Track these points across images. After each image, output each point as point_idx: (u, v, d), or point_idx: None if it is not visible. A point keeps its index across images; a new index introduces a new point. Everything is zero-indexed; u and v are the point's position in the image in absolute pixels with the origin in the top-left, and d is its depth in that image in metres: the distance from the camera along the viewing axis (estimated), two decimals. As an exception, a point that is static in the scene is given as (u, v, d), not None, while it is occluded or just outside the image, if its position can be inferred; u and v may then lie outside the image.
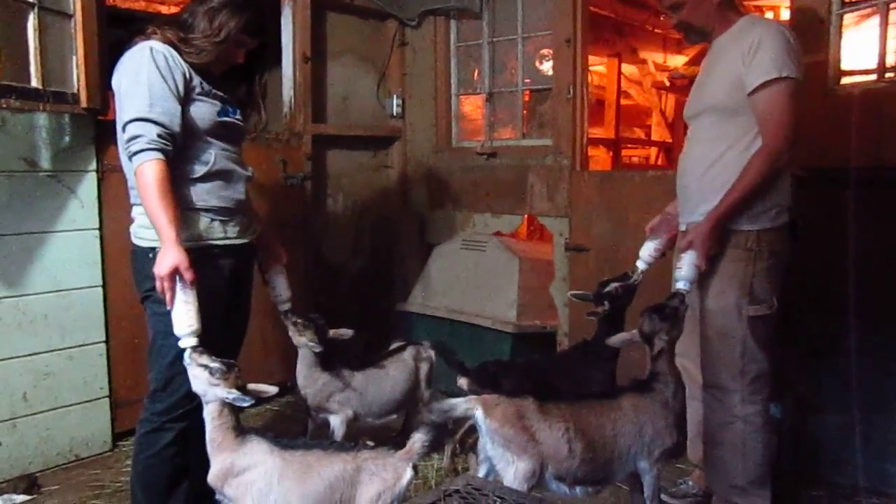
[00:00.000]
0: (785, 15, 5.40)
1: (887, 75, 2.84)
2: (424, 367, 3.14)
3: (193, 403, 2.07)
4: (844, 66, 2.93)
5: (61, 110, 2.85)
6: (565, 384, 2.68)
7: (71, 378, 3.09)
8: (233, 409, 1.97)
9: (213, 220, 2.22)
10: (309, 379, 2.80)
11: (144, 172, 2.00)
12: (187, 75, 2.13)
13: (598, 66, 6.84)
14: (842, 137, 2.78)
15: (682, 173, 2.55)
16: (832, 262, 2.81)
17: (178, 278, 1.99)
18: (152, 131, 2.02)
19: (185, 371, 1.99)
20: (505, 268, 3.96)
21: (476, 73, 4.46)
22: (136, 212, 2.19)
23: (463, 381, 2.64)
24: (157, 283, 1.99)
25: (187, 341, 1.99)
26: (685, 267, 2.34)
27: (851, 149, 2.74)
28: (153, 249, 2.07)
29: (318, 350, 2.71)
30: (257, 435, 2.02)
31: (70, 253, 3.05)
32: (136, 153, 2.02)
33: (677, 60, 7.28)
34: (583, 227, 3.74)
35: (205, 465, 1.98)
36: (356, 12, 4.40)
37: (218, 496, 1.99)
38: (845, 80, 2.93)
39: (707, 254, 2.31)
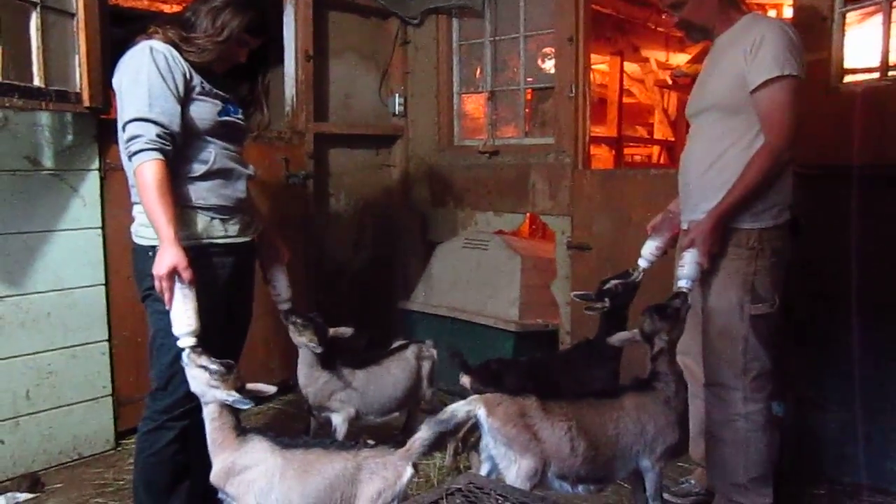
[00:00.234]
0: (788, 13, 5.39)
1: (890, 73, 2.83)
2: (426, 366, 3.14)
3: (195, 402, 2.07)
4: (847, 64, 2.92)
5: (64, 109, 2.85)
6: (568, 383, 2.68)
7: (73, 377, 3.09)
8: (232, 409, 1.97)
9: (213, 218, 2.22)
10: (310, 378, 2.80)
11: (143, 172, 2.01)
12: (187, 75, 2.13)
13: (601, 64, 6.82)
14: (844, 135, 2.78)
15: (683, 171, 2.55)
16: (834, 260, 2.81)
17: (176, 278, 2.00)
18: (151, 131, 2.02)
19: (185, 370, 1.99)
20: (507, 266, 3.96)
21: (478, 72, 4.46)
22: (137, 210, 2.19)
23: (465, 380, 2.64)
24: (156, 283, 2.00)
25: (186, 341, 1.99)
26: (687, 265, 2.34)
27: (854, 147, 2.74)
28: (153, 248, 2.07)
29: (318, 351, 2.71)
30: (258, 434, 2.02)
31: (72, 252, 3.05)
32: (135, 153, 2.02)
33: (680, 58, 7.26)
34: (585, 225, 3.74)
35: (207, 463, 1.99)
36: (358, 10, 4.40)
37: (220, 495, 2.00)
38: (848, 79, 2.92)
39: (709, 252, 2.31)
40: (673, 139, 7.43)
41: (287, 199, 3.94)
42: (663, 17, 5.80)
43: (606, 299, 2.66)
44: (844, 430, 2.88)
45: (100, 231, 3.13)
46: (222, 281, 2.25)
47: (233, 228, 2.28)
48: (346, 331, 2.81)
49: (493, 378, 2.61)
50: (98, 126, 3.08)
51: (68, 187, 3.04)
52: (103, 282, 3.15)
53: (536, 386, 2.36)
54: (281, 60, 4.02)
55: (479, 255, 4.13)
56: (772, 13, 5.89)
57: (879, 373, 2.79)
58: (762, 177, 2.26)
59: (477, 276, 4.05)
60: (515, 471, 2.08)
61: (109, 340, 3.20)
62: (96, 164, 3.10)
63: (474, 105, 4.63)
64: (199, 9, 2.18)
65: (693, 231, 2.36)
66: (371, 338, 3.89)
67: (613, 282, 2.67)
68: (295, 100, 4.07)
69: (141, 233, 2.17)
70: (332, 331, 2.76)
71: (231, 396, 1.92)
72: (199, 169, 2.18)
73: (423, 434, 1.95)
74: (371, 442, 2.04)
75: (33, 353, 2.97)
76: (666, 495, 2.64)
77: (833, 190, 2.82)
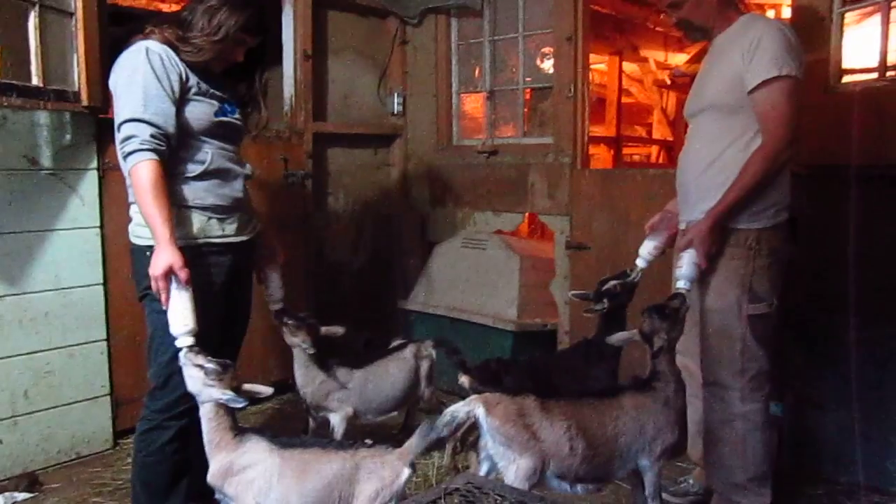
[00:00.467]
0: (786, 13, 5.39)
1: (888, 74, 2.83)
2: (425, 365, 3.14)
3: (193, 401, 2.06)
4: (845, 64, 2.92)
5: (62, 108, 2.85)
6: (566, 383, 2.68)
7: (72, 376, 3.09)
8: (229, 409, 1.97)
9: (210, 217, 2.22)
10: (306, 378, 2.80)
11: (138, 173, 2.01)
12: (183, 76, 2.13)
13: (599, 63, 6.83)
14: (843, 135, 2.78)
15: (681, 171, 2.55)
16: (833, 260, 2.81)
17: (173, 278, 2.00)
18: (146, 132, 2.02)
19: (184, 369, 1.99)
20: (506, 266, 3.96)
21: (477, 71, 4.46)
22: (134, 210, 2.19)
23: (464, 380, 2.64)
24: (153, 283, 2.00)
25: (183, 341, 2.00)
26: (685, 265, 2.34)
27: (852, 147, 2.74)
28: (150, 248, 2.08)
29: (310, 351, 2.71)
30: (256, 433, 2.02)
31: (71, 251, 3.05)
32: (129, 154, 2.02)
33: (678, 58, 7.26)
34: (584, 225, 3.74)
35: (205, 462, 1.99)
36: (357, 10, 4.39)
37: (218, 495, 2.00)
38: (846, 79, 2.92)
39: (707, 252, 2.31)
40: (672, 139, 7.43)
41: (286, 198, 3.94)
42: (662, 16, 5.79)
43: (605, 300, 2.66)
44: (843, 430, 2.88)
45: (98, 231, 3.13)
46: (220, 280, 2.25)
47: (230, 228, 2.28)
48: (337, 329, 2.80)
49: (491, 377, 2.61)
50: (97, 125, 3.07)
51: (67, 187, 3.03)
52: (102, 281, 3.15)
53: (535, 385, 2.36)
54: (279, 59, 4.02)
55: (477, 255, 4.13)
56: (770, 13, 5.88)
57: (878, 372, 2.79)
58: (760, 177, 2.26)
59: (476, 276, 4.05)
60: (514, 470, 2.08)
61: (108, 340, 3.19)
62: (95, 164, 3.10)
63: (473, 105, 4.63)
64: (195, 8, 2.18)
65: (691, 231, 2.36)
66: (370, 337, 3.89)
67: (612, 282, 2.67)
68: (294, 99, 4.07)
69: (138, 232, 2.17)
70: (323, 329, 2.76)
71: (225, 395, 1.92)
72: (195, 169, 2.18)
73: (421, 433, 1.95)
74: (369, 441, 2.04)
75: (32, 353, 2.97)
76: (665, 495, 2.63)
77: (831, 190, 2.83)
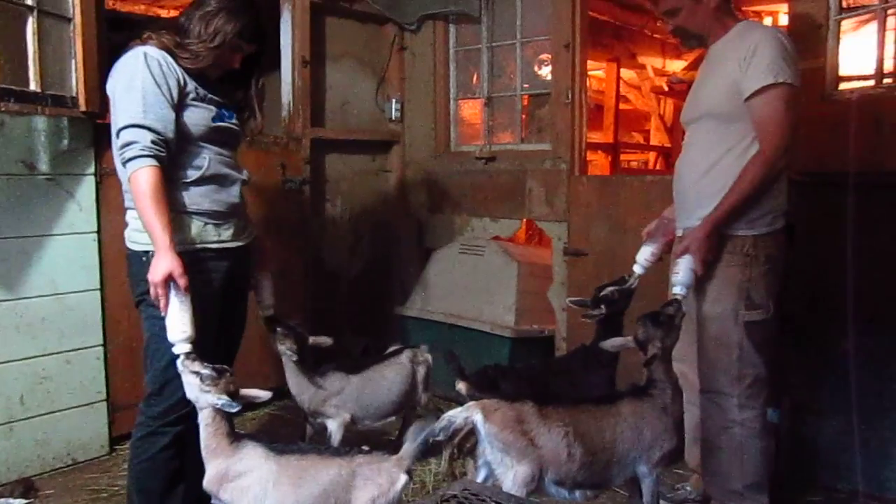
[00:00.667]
0: (783, 20, 5.41)
1: (885, 81, 2.84)
2: (421, 371, 3.14)
3: (189, 407, 2.06)
4: (842, 71, 2.93)
5: (60, 114, 2.85)
6: (564, 389, 2.68)
7: (68, 382, 3.08)
8: (226, 415, 1.97)
9: (206, 223, 2.22)
10: (301, 385, 2.80)
11: (138, 179, 2.01)
12: (181, 81, 2.13)
13: (597, 70, 6.85)
14: (840, 143, 2.78)
15: (678, 178, 2.55)
16: (830, 267, 2.81)
17: (171, 284, 1.99)
18: (146, 137, 2.02)
19: (180, 375, 1.99)
20: (503, 272, 3.96)
21: (475, 78, 4.47)
22: (130, 216, 2.19)
23: (462, 386, 2.63)
24: (151, 290, 2.00)
25: (181, 347, 2.00)
26: (682, 272, 2.34)
27: (849, 154, 2.74)
28: (146, 253, 2.08)
29: (294, 360, 2.70)
30: (252, 440, 2.02)
31: (68, 256, 3.05)
32: (130, 160, 2.02)
33: (676, 65, 7.28)
34: (581, 231, 3.74)
35: (201, 468, 1.98)
36: (355, 16, 4.40)
37: (213, 501, 1.99)
38: (843, 86, 2.93)
39: (703, 259, 2.32)
40: (669, 145, 7.44)
41: (283, 204, 3.94)
42: (659, 24, 5.82)
43: (602, 306, 2.66)
44: (840, 437, 2.88)
45: (95, 236, 3.12)
46: (216, 286, 2.25)
47: (226, 233, 2.27)
48: (325, 340, 2.79)
49: (489, 384, 2.61)
50: (94, 131, 3.07)
51: (64, 192, 3.03)
52: (98, 287, 3.14)
53: (533, 392, 2.36)
54: (277, 66, 4.02)
55: (475, 261, 4.13)
56: (767, 21, 5.91)
57: (875, 379, 2.79)
58: (757, 184, 2.27)
59: (473, 282, 4.05)
60: (512, 477, 2.08)
61: (104, 345, 3.18)
62: (92, 169, 3.10)
63: (471, 111, 4.63)
64: (192, 14, 2.18)
65: (688, 238, 2.37)
66: (367, 343, 3.88)
67: (609, 288, 2.67)
68: (292, 105, 4.07)
69: (134, 238, 2.17)
70: (311, 339, 2.76)
71: (220, 400, 1.92)
72: (193, 174, 2.18)
73: (412, 443, 1.95)
74: (366, 448, 2.03)
75: (28, 358, 2.96)
76: (662, 502, 2.63)
77: (828, 197, 2.83)
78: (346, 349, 2.86)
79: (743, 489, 2.40)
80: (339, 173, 4.39)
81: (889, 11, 2.83)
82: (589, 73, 4.40)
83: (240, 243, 2.34)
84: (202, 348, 2.02)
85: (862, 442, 2.82)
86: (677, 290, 2.34)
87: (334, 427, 2.85)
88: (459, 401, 2.41)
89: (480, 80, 4.39)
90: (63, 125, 3.00)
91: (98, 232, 3.13)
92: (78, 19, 2.77)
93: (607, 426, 2.22)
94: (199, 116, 2.18)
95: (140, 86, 2.05)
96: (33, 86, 2.66)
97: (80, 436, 3.13)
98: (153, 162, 2.02)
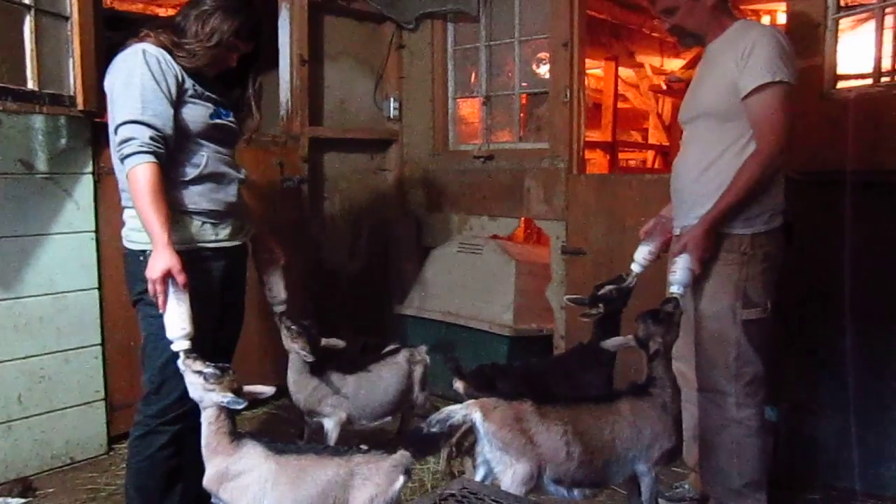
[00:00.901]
0: (781, 19, 5.42)
1: (883, 80, 2.85)
2: (419, 370, 3.14)
3: (187, 406, 2.06)
4: (840, 70, 2.94)
5: (57, 112, 2.85)
6: (563, 387, 2.68)
7: (66, 381, 3.08)
8: (229, 414, 1.97)
9: (204, 222, 2.22)
10: (299, 384, 2.80)
11: (137, 175, 2.00)
12: (180, 78, 2.13)
13: (595, 69, 6.84)
14: (837, 141, 2.78)
15: (676, 177, 2.55)
16: (828, 266, 2.82)
17: (170, 282, 1.99)
18: (145, 134, 2.02)
19: (178, 374, 1.99)
20: (502, 271, 3.96)
21: (473, 77, 4.47)
22: (127, 215, 2.18)
23: (459, 385, 2.63)
24: (150, 287, 1.99)
25: (179, 345, 1.99)
26: (679, 271, 2.34)
27: (847, 153, 2.74)
28: (144, 252, 2.07)
29: (308, 360, 2.70)
30: (252, 439, 2.02)
31: (66, 255, 3.04)
32: (128, 156, 2.01)
33: (674, 64, 7.29)
34: (579, 230, 3.74)
35: (199, 467, 1.98)
36: (353, 15, 4.40)
37: (213, 500, 1.99)
38: (841, 85, 2.93)
39: (701, 257, 2.32)
40: (667, 144, 7.44)
41: (282, 203, 3.94)
42: (656, 22, 5.82)
43: (600, 304, 2.66)
44: (838, 435, 2.89)
45: (93, 235, 3.12)
46: (213, 284, 2.25)
47: (223, 232, 2.27)
48: (338, 343, 2.80)
49: (487, 383, 2.61)
50: (92, 129, 3.07)
51: (62, 191, 3.03)
52: (96, 286, 3.14)
53: (531, 390, 2.36)
54: (275, 64, 4.02)
55: (473, 260, 4.13)
56: (765, 19, 5.92)
57: (873, 377, 2.79)
58: (754, 183, 2.27)
59: (472, 281, 4.05)
60: (511, 475, 2.08)
61: (102, 345, 3.18)
62: (90, 168, 3.10)
63: (469, 109, 4.63)
64: (189, 13, 2.17)
65: (685, 236, 2.37)
66: (365, 343, 3.88)
67: (607, 287, 2.68)
68: (290, 104, 4.07)
69: (132, 237, 2.17)
70: (324, 341, 2.76)
71: (226, 397, 1.92)
72: (191, 173, 2.17)
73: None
74: (364, 447, 2.04)
75: (26, 357, 2.96)
76: (661, 500, 2.63)
77: (826, 195, 2.83)
78: (345, 348, 2.85)
79: (741, 487, 2.41)
80: (338, 172, 4.39)
81: (887, 10, 2.83)
82: (587, 71, 4.40)
83: (236, 242, 2.33)
84: (200, 347, 2.01)
85: (860, 440, 2.82)
86: (675, 289, 2.34)
87: (330, 426, 2.85)
88: (457, 400, 2.41)
89: (479, 79, 4.39)
90: (61, 124, 3.00)
91: (96, 231, 3.12)
92: (75, 18, 2.77)
93: (606, 425, 2.22)
94: (197, 113, 2.17)
95: (139, 82, 2.04)
96: (31, 84, 2.66)
97: (78, 435, 3.13)
98: (152, 158, 2.01)
